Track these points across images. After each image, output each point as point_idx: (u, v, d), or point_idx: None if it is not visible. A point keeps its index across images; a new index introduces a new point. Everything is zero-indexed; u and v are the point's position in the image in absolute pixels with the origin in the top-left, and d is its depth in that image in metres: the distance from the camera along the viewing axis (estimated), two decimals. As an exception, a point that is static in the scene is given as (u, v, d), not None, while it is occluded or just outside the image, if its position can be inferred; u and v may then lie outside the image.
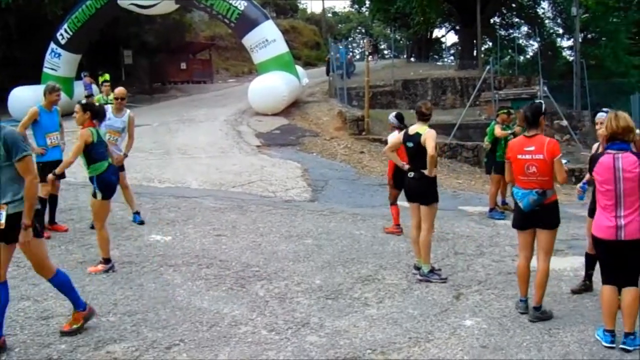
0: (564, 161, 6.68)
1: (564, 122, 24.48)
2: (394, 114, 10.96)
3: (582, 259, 8.66)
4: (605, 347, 5.81)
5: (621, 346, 5.75)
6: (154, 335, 5.86)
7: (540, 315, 6.57)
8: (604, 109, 6.97)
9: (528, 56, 45.30)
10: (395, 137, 9.96)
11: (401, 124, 10.41)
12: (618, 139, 5.75)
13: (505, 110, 12.83)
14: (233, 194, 13.18)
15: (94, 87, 26.11)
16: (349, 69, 32.11)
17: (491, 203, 12.41)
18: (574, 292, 7.46)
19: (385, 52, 70.36)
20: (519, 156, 6.52)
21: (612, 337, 5.84)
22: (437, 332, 6.17)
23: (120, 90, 10.03)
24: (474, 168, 19.33)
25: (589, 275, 7.49)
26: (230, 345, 5.71)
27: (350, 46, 44.48)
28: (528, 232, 6.63)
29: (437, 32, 59.66)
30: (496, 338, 6.07)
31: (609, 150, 5.77)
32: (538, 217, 6.46)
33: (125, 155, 10.06)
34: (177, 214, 10.93)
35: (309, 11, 77.75)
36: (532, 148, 6.41)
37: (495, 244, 9.97)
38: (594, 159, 5.90)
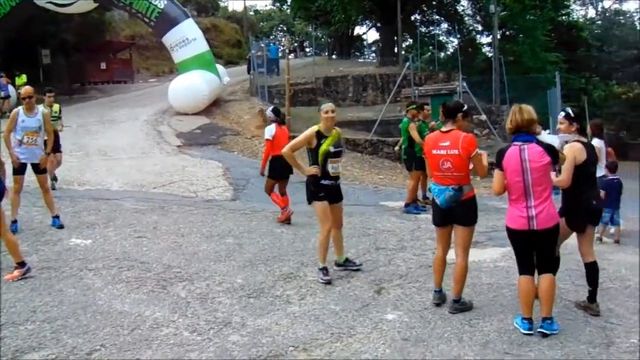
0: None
1: (483, 117, 24.97)
2: (271, 108, 11.79)
3: (502, 250, 8.92)
4: (524, 334, 5.97)
5: (539, 330, 5.92)
6: (74, 341, 5.73)
7: (460, 306, 6.66)
8: (567, 109, 7.03)
9: (448, 53, 45.90)
10: (273, 129, 10.98)
11: (278, 117, 11.32)
12: (523, 131, 5.91)
13: (414, 106, 13.01)
14: (154, 194, 13.07)
15: (10, 87, 25.47)
16: (271, 66, 32.07)
17: (409, 198, 12.57)
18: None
19: (307, 49, 70.56)
20: (434, 151, 6.56)
21: (530, 324, 5.99)
22: (359, 326, 6.22)
23: (26, 89, 9.76)
24: (395, 164, 19.56)
25: None
26: (152, 348, 5.63)
27: (272, 44, 44.40)
28: (446, 227, 6.71)
29: (359, 30, 60.15)
30: (417, 330, 6.14)
31: (515, 143, 5.92)
32: (455, 214, 6.52)
33: (48, 154, 9.89)
34: (98, 216, 10.76)
35: (230, 9, 77.38)
36: (447, 143, 6.44)
37: (417, 238, 10.11)
38: (501, 152, 6.04)
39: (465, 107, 6.83)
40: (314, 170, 7.65)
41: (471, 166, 6.49)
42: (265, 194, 11.44)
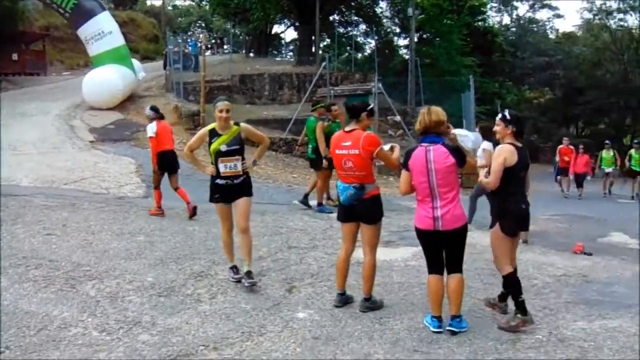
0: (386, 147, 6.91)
1: (397, 118, 25.33)
2: (149, 107, 12.02)
3: (413, 250, 9.08)
4: (433, 332, 6.08)
5: (448, 328, 6.04)
6: (-23, 343, 5.58)
7: (371, 305, 6.74)
8: (504, 111, 6.72)
9: (365, 54, 46.25)
10: (155, 127, 11.19)
11: (157, 114, 11.61)
12: (431, 132, 5.99)
13: (321, 104, 13.12)
14: (65, 191, 12.86)
15: None
16: (187, 62, 31.75)
17: (319, 197, 12.67)
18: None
19: (225, 46, 70.11)
20: (337, 151, 6.67)
21: (439, 322, 6.10)
22: (269, 325, 6.24)
23: None
24: (305, 162, 19.63)
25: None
26: (59, 348, 5.53)
27: (189, 40, 43.87)
28: (350, 224, 6.75)
29: (277, 28, 60.06)
30: (328, 329, 6.20)
31: (421, 144, 6.00)
32: (359, 211, 6.59)
33: None
34: (5, 213, 10.50)
35: (148, 3, 76.07)
36: (348, 143, 6.54)
37: (329, 237, 10.21)
38: (408, 153, 6.11)
39: (370, 107, 6.89)
40: (209, 169, 7.53)
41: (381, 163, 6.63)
42: (175, 191, 11.44)
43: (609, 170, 22.56)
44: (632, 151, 21.79)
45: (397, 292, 7.53)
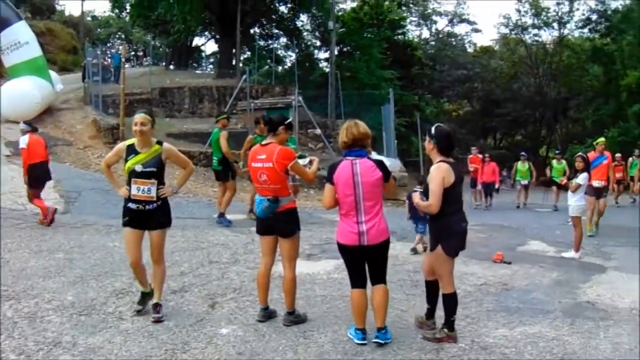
0: (303, 162, 6.96)
1: (318, 131, 25.44)
2: (23, 121, 12.48)
3: (335, 263, 9.14)
4: (358, 344, 6.11)
5: (374, 340, 6.07)
6: None
7: (295, 319, 6.76)
8: (433, 127, 6.59)
9: (286, 67, 46.38)
10: (27, 139, 11.39)
11: (30, 127, 11.99)
12: (357, 145, 6.00)
13: (225, 115, 13.19)
14: (-21, 207, 12.50)
15: None
16: (106, 75, 31.26)
17: (222, 208, 12.65)
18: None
19: (145, 59, 69.35)
20: (253, 164, 6.70)
21: (363, 334, 6.14)
22: (193, 342, 6.18)
23: None
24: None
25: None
26: (-26, 373, 5.39)
27: (109, 52, 43.14)
28: (268, 238, 6.77)
29: (197, 40, 59.75)
30: (252, 344, 6.18)
31: (347, 157, 6.01)
32: (275, 224, 6.63)
33: None
34: None
35: (66, 13, 74.62)
36: (263, 156, 6.59)
37: (250, 251, 10.21)
38: (333, 166, 6.10)
39: (288, 121, 6.92)
40: (122, 190, 6.76)
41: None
42: (94, 206, 11.29)
43: (524, 182, 22.63)
44: (554, 162, 21.99)
45: (320, 305, 7.57)
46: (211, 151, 13.41)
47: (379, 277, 6.20)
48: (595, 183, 13.74)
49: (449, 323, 6.41)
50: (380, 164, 6.01)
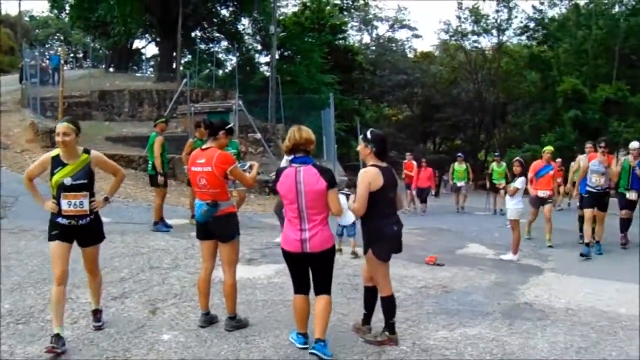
0: (242, 167, 6.96)
1: (258, 135, 25.38)
2: None
3: (276, 267, 9.14)
4: (299, 348, 6.14)
5: (311, 352, 5.97)
6: None
7: (236, 324, 6.76)
8: (368, 131, 6.55)
9: (227, 70, 46.20)
10: None
11: None
12: (301, 150, 5.92)
13: (163, 119, 13.11)
14: None
15: None
16: (45, 77, 30.76)
17: (156, 215, 12.53)
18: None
19: (84, 61, 68.33)
20: (193, 168, 6.69)
21: (305, 338, 6.15)
22: (134, 349, 6.13)
23: None
24: (169, 180, 19.38)
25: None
26: None
27: (47, 53, 42.38)
28: (208, 242, 6.76)
29: (138, 43, 59.13)
30: (194, 350, 6.16)
31: (292, 164, 5.93)
32: (214, 229, 6.63)
33: None
34: None
35: (3, 13, 73.19)
36: (202, 161, 6.58)
37: (191, 256, 10.16)
38: (278, 174, 6.06)
39: (229, 126, 6.96)
40: (48, 205, 6.22)
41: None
42: (31, 211, 11.06)
43: (461, 183, 22.49)
44: (494, 164, 21.97)
45: (261, 309, 7.57)
46: (147, 155, 13.22)
47: (323, 287, 6.11)
48: (541, 193, 13.71)
49: (389, 326, 6.46)
50: (325, 172, 5.93)
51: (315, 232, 5.88)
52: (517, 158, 12.62)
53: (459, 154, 24.66)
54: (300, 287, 6.17)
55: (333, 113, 26.73)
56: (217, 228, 6.62)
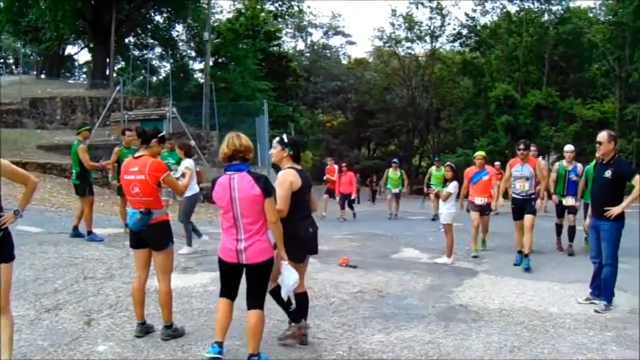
0: (176, 175, 6.92)
1: (192, 142, 25.24)
2: None
3: (211, 275, 9.08)
4: (211, 358, 5.91)
5: None
6: None
7: (172, 333, 6.70)
8: (283, 135, 6.73)
9: (161, 77, 45.87)
10: None
11: None
12: (238, 158, 5.79)
13: (88, 127, 13.06)
14: None
15: None
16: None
17: (87, 226, 12.32)
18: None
19: (15, 67, 66.95)
20: (125, 177, 6.64)
21: (220, 347, 5.91)
22: (68, 361, 6.02)
23: None
24: (103, 189, 19.14)
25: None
26: None
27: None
28: (142, 251, 6.69)
29: (70, 49, 58.22)
30: (130, 360, 6.09)
31: (226, 172, 5.79)
32: (147, 237, 6.58)
33: None
34: None
35: None
36: (135, 169, 6.54)
37: (125, 265, 10.03)
38: (213, 182, 5.91)
39: (162, 134, 6.96)
40: None
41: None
42: None
43: (395, 190, 21.73)
44: (433, 169, 21.34)
45: (197, 318, 7.53)
46: (72, 164, 12.94)
47: (256, 301, 5.89)
48: (478, 200, 12.85)
49: (297, 320, 6.60)
50: (260, 179, 5.79)
51: (252, 243, 5.70)
52: (448, 163, 12.77)
53: (394, 159, 23.94)
54: (227, 292, 5.98)
55: (267, 120, 26.80)
56: (151, 236, 6.57)
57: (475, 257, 12.39)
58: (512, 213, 11.95)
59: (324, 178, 22.51)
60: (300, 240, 6.37)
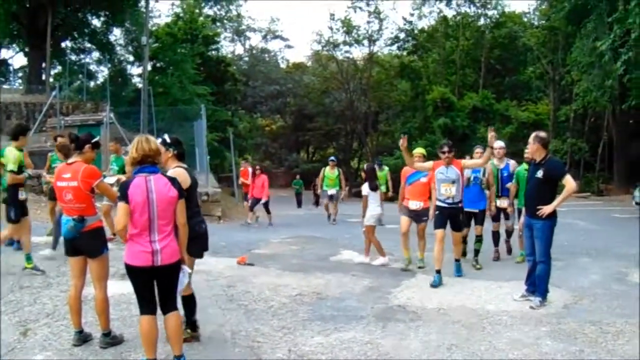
0: (111, 181, 6.87)
1: (128, 148, 25.01)
2: None
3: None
4: None
5: None
6: None
7: (110, 340, 6.66)
8: (164, 135, 6.88)
9: (98, 82, 45.22)
10: None
11: None
12: (147, 162, 5.78)
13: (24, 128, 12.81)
14: None
15: None
16: None
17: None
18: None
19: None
20: (58, 183, 6.60)
21: None
22: (3, 373, 5.94)
23: None
24: (39, 197, 18.80)
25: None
26: None
27: None
28: (77, 259, 6.64)
29: (5, 53, 56.98)
30: (68, 369, 5.99)
31: (140, 174, 5.75)
32: (81, 245, 6.54)
33: None
34: None
35: None
36: (68, 175, 6.52)
37: (63, 273, 9.89)
38: (126, 184, 5.74)
39: (95, 140, 6.92)
40: None
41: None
42: None
43: (331, 191, 20.91)
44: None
45: (136, 325, 7.38)
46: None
47: (171, 303, 5.92)
48: (413, 204, 11.56)
49: (192, 323, 6.71)
50: (175, 182, 5.83)
51: (166, 244, 5.71)
52: (364, 166, 12.89)
53: (332, 157, 23.65)
54: (149, 306, 5.86)
55: (205, 124, 26.67)
56: (84, 244, 6.54)
57: (420, 267, 11.52)
58: (435, 220, 10.51)
59: (239, 182, 22.23)
60: (197, 236, 6.47)
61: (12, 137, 9.94)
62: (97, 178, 6.54)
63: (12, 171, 9.71)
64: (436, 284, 9.90)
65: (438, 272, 10.09)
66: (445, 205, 10.28)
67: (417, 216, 11.66)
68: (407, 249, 11.69)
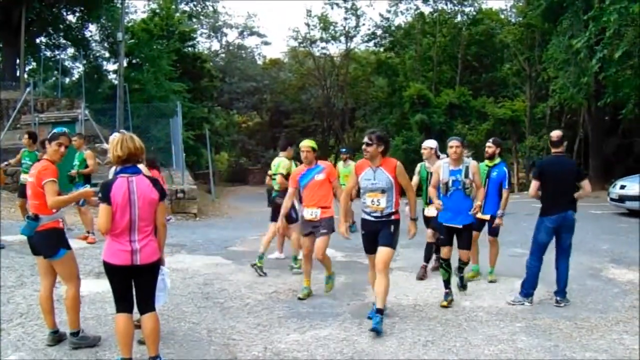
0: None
1: (105, 145, 24.82)
2: None
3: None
4: None
5: None
6: None
7: (79, 340, 6.59)
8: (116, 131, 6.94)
9: (73, 79, 44.90)
10: None
11: None
12: (132, 161, 5.77)
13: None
14: None
15: None
16: None
17: None
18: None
19: None
20: (28, 179, 6.58)
21: None
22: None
23: None
24: (13, 195, 18.64)
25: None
26: None
27: None
28: (41, 258, 6.58)
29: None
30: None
31: (122, 174, 5.72)
32: (37, 245, 6.51)
33: None
34: None
35: None
36: (33, 171, 6.50)
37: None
38: (107, 185, 5.72)
39: (53, 133, 6.82)
40: None
41: None
42: None
43: None
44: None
45: (111, 323, 7.40)
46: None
47: (149, 304, 5.90)
48: (307, 213, 9.06)
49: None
50: (156, 183, 5.83)
51: (146, 244, 5.70)
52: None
53: (343, 149, 21.22)
54: (124, 304, 5.85)
55: (181, 121, 26.59)
56: (38, 243, 6.49)
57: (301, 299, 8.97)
58: (363, 242, 7.87)
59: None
60: None
61: None
62: (48, 177, 6.35)
63: None
64: (378, 331, 7.20)
65: (379, 311, 7.36)
66: (372, 218, 7.65)
67: (315, 228, 9.06)
68: (308, 277, 9.27)
